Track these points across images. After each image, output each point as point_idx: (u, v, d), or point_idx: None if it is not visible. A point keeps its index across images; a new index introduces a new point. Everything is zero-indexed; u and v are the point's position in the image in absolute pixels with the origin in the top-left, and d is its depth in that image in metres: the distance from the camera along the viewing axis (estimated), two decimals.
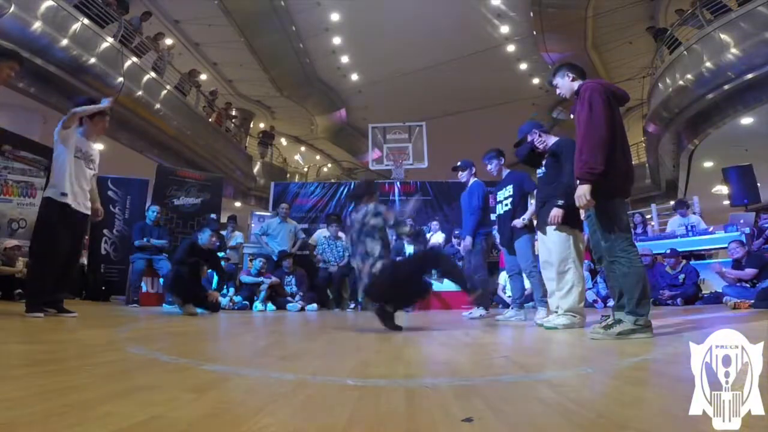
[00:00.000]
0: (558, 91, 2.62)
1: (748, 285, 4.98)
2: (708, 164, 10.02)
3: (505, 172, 4.02)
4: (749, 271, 5.01)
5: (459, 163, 4.62)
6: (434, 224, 6.97)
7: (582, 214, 2.63)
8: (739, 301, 4.65)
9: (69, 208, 3.16)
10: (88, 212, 3.38)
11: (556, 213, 2.89)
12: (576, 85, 2.47)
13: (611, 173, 2.14)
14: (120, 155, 8.38)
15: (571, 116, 2.42)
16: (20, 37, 6.08)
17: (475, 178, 4.51)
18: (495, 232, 6.67)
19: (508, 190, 3.86)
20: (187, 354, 1.69)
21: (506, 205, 3.86)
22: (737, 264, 5.28)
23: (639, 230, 7.64)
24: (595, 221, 2.26)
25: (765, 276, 4.88)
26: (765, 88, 7.13)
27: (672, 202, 11.49)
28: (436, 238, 6.74)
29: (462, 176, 4.52)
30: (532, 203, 3.71)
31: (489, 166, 4.06)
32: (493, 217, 5.35)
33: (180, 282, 4.26)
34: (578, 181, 2.17)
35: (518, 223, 3.68)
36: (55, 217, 3.13)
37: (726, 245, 5.69)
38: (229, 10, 11.26)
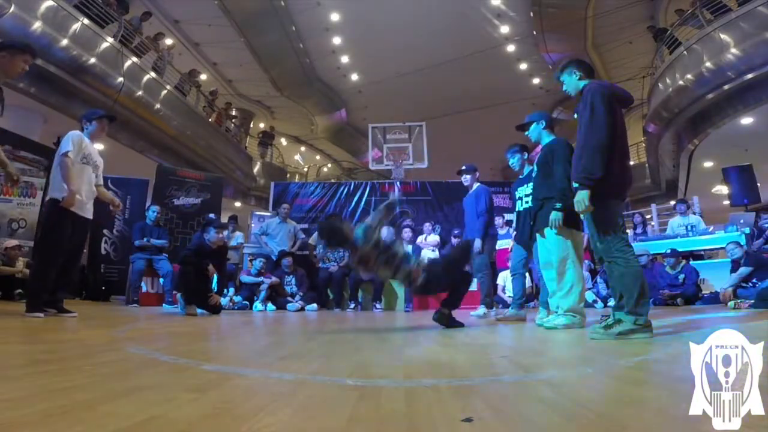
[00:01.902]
0: (564, 88, 2.60)
1: (748, 285, 4.97)
2: (708, 164, 10.02)
3: (528, 168, 3.90)
4: (743, 270, 5.01)
5: (463, 167, 4.66)
6: (427, 226, 6.88)
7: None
8: (739, 301, 4.65)
9: (71, 211, 3.19)
10: (90, 217, 3.42)
11: (555, 218, 2.89)
12: (582, 84, 2.46)
13: (608, 176, 2.14)
14: (120, 155, 8.37)
15: (575, 116, 2.41)
16: (20, 37, 6.05)
17: (479, 183, 4.56)
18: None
19: (530, 188, 3.69)
20: (187, 354, 1.69)
21: (527, 202, 3.72)
22: (736, 265, 5.28)
23: (639, 230, 7.62)
24: (590, 223, 2.26)
25: (765, 276, 4.88)
26: (765, 88, 7.12)
27: (672, 202, 11.50)
28: (432, 239, 6.73)
29: (466, 180, 4.55)
30: None
31: (511, 161, 3.98)
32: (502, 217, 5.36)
33: (185, 281, 4.26)
34: (577, 186, 2.17)
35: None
36: (60, 218, 3.16)
37: (725, 245, 5.69)
38: (229, 10, 11.24)
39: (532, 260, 3.83)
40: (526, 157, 3.95)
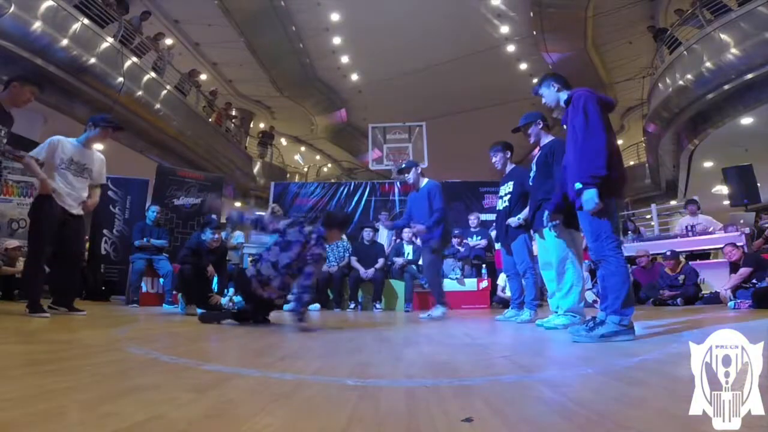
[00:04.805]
0: (543, 101, 2.66)
1: (748, 285, 4.96)
2: (708, 164, 10.03)
3: (510, 166, 3.87)
4: (743, 270, 5.00)
5: (403, 165, 4.50)
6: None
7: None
8: (739, 301, 4.65)
9: (55, 202, 3.24)
10: (80, 213, 3.44)
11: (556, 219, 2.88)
12: (562, 95, 2.53)
13: (607, 176, 2.16)
14: (120, 155, 8.37)
15: (564, 127, 2.44)
16: (20, 37, 6.08)
17: (426, 179, 4.35)
18: (492, 232, 6.68)
19: (509, 187, 3.74)
20: (187, 354, 1.69)
21: (505, 201, 3.75)
22: (735, 266, 5.28)
23: (630, 238, 7.44)
24: (586, 221, 2.26)
25: (764, 276, 4.88)
26: (765, 88, 7.13)
27: (672, 202, 11.51)
28: None
29: (408, 178, 4.35)
30: None
31: (493, 159, 3.92)
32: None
33: (184, 281, 4.27)
34: (582, 186, 2.17)
35: (513, 222, 3.60)
36: (42, 205, 3.22)
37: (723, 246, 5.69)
38: (229, 10, 11.25)
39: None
40: (509, 155, 3.89)
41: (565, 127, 2.40)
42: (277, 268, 2.88)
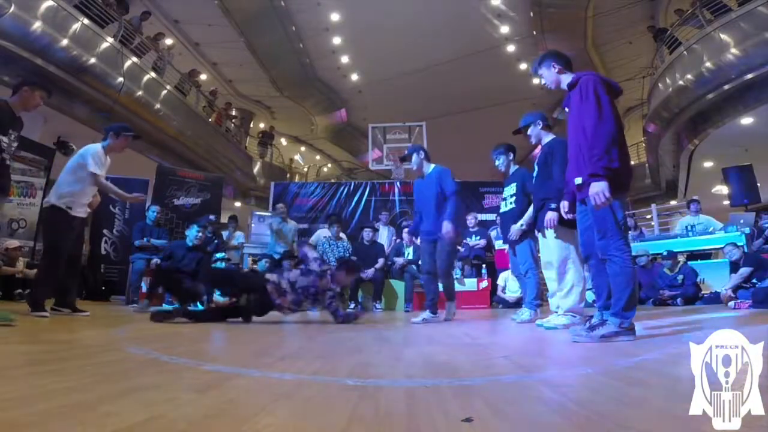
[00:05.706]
0: (543, 82, 2.53)
1: (748, 285, 4.96)
2: (708, 164, 10.02)
3: (513, 168, 3.84)
4: (744, 270, 5.00)
5: (406, 152, 4.23)
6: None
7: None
8: (739, 301, 4.65)
9: (71, 215, 3.36)
10: (85, 215, 3.56)
11: (551, 216, 2.88)
12: (564, 77, 2.39)
13: (616, 169, 2.06)
14: (120, 155, 8.34)
15: (565, 110, 2.34)
16: (20, 37, 6.08)
17: (432, 164, 4.02)
18: (491, 232, 6.68)
19: (513, 188, 3.72)
20: (187, 354, 1.69)
21: (510, 203, 3.73)
22: (735, 266, 5.28)
23: (631, 237, 7.46)
24: (592, 218, 2.20)
25: (763, 276, 4.88)
26: (765, 88, 7.12)
27: (672, 202, 11.50)
28: None
29: (411, 164, 4.05)
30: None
31: (497, 162, 3.87)
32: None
33: (161, 277, 4.30)
34: (592, 178, 2.05)
35: (516, 228, 3.53)
36: (65, 225, 3.34)
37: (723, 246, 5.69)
38: (229, 10, 11.25)
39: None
40: (511, 157, 3.84)
41: (567, 110, 2.30)
42: (294, 287, 3.34)
